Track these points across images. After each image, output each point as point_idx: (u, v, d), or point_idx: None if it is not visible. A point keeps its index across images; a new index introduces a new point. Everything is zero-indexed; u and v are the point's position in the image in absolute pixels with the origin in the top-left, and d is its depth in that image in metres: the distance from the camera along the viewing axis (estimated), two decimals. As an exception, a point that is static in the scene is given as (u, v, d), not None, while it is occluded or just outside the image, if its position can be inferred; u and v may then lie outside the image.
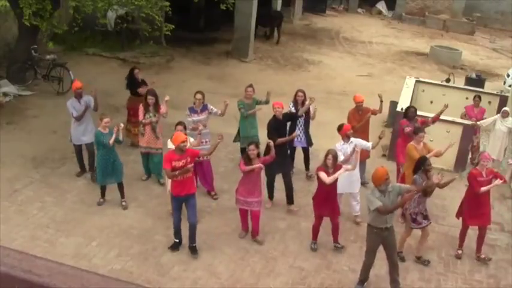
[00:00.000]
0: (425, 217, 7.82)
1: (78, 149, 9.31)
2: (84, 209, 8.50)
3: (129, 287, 2.66)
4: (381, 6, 28.11)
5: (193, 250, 7.63)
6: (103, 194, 8.67)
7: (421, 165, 7.70)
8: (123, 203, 8.60)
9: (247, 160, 7.70)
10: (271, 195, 9.06)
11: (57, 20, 12.46)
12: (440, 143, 10.35)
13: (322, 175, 7.59)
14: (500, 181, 7.89)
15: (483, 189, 7.76)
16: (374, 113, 9.79)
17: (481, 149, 11.48)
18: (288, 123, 9.28)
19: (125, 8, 13.48)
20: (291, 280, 7.36)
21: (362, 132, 9.42)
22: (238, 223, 8.29)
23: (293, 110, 9.61)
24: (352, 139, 8.58)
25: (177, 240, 7.71)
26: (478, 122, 10.76)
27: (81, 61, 15.39)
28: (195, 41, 18.54)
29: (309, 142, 9.92)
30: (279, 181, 8.99)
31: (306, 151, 9.97)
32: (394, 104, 12.28)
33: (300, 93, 9.75)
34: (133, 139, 10.30)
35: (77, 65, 14.61)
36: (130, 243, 7.79)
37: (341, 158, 8.10)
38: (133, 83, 10.37)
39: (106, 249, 7.60)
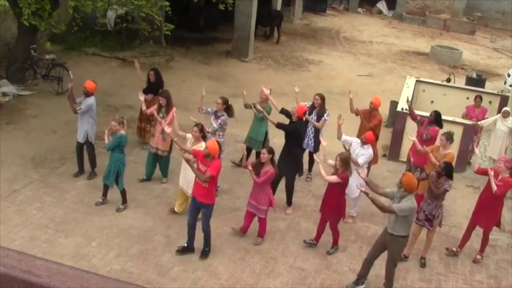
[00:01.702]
0: (428, 220, 7.75)
1: (77, 145, 9.30)
2: (84, 209, 8.47)
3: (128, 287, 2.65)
4: (381, 5, 28.11)
5: (203, 253, 7.59)
6: (104, 194, 8.65)
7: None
8: (120, 207, 8.57)
9: (260, 165, 7.69)
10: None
11: (56, 19, 12.43)
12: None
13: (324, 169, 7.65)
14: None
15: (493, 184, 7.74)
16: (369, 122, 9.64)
17: (481, 149, 11.49)
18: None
19: (124, 8, 13.44)
20: (291, 280, 7.34)
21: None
22: (238, 223, 8.28)
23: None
24: (367, 146, 8.47)
25: (186, 245, 7.63)
26: (479, 122, 10.74)
27: (81, 61, 15.36)
28: (195, 41, 18.51)
29: (316, 148, 9.79)
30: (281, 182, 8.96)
31: (311, 155, 9.90)
32: (394, 104, 12.26)
33: (316, 97, 9.67)
34: (144, 137, 10.32)
35: (76, 64, 14.59)
36: (130, 243, 7.76)
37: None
38: (148, 84, 10.43)
39: (106, 250, 7.58)
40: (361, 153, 8.42)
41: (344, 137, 8.71)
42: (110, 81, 13.75)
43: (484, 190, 8.06)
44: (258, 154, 9.47)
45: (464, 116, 11.07)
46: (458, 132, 10.65)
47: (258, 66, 17.09)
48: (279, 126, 8.78)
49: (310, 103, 9.71)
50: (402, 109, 11.00)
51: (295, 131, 8.82)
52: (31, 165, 9.64)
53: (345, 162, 7.52)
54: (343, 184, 7.60)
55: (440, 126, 9.32)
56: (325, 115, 9.63)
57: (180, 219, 8.39)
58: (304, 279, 7.40)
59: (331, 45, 20.72)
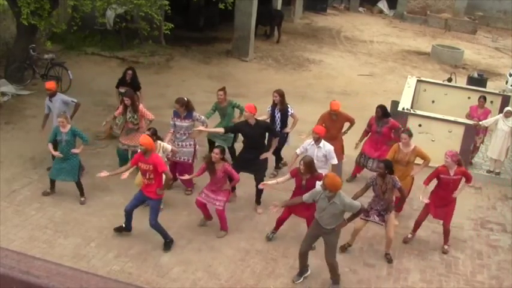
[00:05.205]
0: (381, 215, 7.66)
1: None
2: (83, 210, 8.43)
3: (128, 289, 2.62)
4: (382, 5, 28.12)
5: (165, 245, 7.64)
6: (52, 186, 8.67)
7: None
8: (82, 199, 8.59)
9: (210, 163, 7.72)
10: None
11: (55, 19, 12.39)
12: (442, 143, 10.33)
13: (279, 178, 7.96)
14: (468, 184, 8.04)
15: (456, 193, 7.91)
16: (350, 122, 9.58)
17: (483, 149, 11.47)
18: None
19: (123, 7, 13.40)
20: (291, 281, 7.29)
21: (334, 137, 9.29)
22: (238, 224, 8.28)
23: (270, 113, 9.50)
24: (322, 144, 8.32)
25: (123, 225, 7.78)
26: (480, 122, 10.70)
27: (80, 60, 15.34)
28: (195, 40, 18.50)
29: (283, 142, 9.62)
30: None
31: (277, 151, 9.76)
32: (395, 103, 12.22)
33: (275, 94, 9.53)
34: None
35: (75, 64, 14.57)
36: (129, 244, 7.73)
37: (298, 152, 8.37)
38: (120, 82, 10.54)
39: (105, 250, 7.54)
40: (321, 154, 8.29)
41: (298, 150, 8.53)
42: (109, 81, 13.67)
43: (437, 184, 8.04)
44: (229, 149, 9.49)
45: (468, 116, 11.05)
46: (459, 132, 10.63)
47: (258, 65, 17.07)
48: (227, 130, 8.85)
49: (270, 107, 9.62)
50: (403, 109, 10.98)
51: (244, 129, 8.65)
52: (30, 165, 9.60)
53: (310, 166, 7.50)
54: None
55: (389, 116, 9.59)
56: (289, 109, 9.57)
57: (179, 220, 8.38)
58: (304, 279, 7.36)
59: (331, 45, 20.70)
